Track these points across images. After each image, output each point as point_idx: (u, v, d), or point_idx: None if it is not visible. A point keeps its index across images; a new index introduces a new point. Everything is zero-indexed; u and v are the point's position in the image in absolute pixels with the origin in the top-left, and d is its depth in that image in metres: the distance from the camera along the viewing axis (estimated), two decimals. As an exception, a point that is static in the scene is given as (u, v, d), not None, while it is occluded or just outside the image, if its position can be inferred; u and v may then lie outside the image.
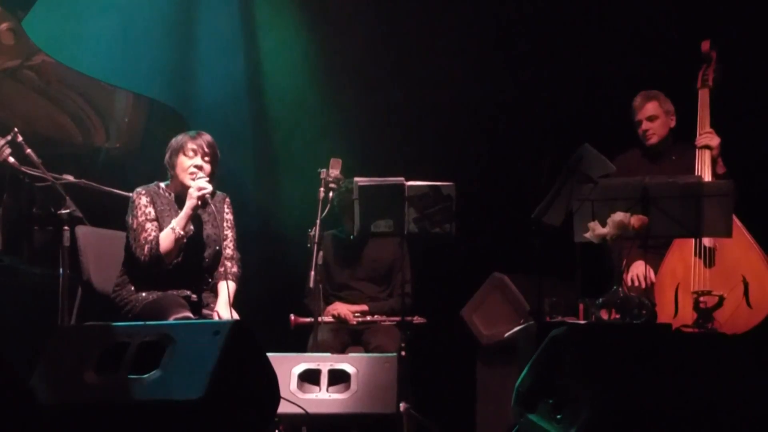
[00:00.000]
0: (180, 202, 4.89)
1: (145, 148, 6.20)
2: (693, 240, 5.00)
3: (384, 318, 5.71)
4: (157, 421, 3.55)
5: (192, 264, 4.91)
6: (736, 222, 4.86)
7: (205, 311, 4.90)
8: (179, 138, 4.93)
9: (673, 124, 5.51)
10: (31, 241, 5.47)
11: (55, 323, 4.94)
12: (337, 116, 6.82)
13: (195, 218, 4.89)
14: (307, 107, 6.86)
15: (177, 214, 4.83)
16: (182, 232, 4.78)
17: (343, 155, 5.44)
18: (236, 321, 3.91)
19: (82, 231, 5.10)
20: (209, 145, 4.91)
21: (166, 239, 4.79)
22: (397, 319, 5.51)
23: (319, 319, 5.40)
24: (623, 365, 3.68)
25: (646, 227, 4.43)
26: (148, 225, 4.82)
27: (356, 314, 5.74)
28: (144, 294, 4.83)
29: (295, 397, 4.63)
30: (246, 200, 5.95)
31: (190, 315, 4.71)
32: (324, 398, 4.68)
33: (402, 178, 5.03)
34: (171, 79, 6.67)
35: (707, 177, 5.14)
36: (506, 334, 4.98)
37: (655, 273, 5.15)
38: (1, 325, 5.25)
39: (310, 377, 4.74)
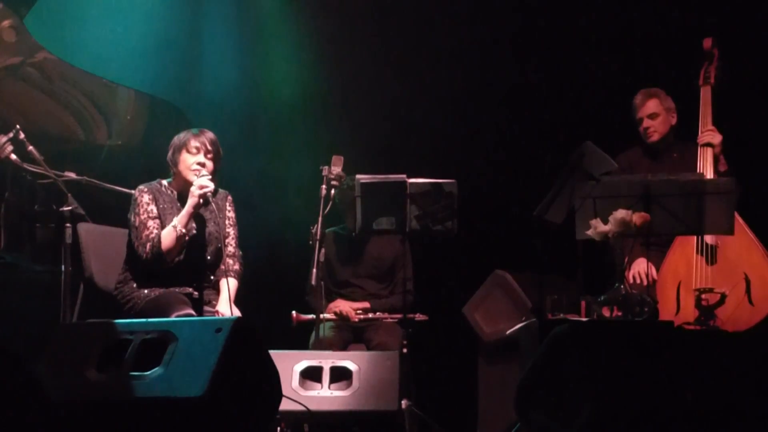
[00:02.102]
0: (182, 199, 4.90)
1: (147, 145, 6.20)
2: (695, 237, 5.01)
3: (386, 315, 5.71)
4: (158, 419, 3.55)
5: (194, 261, 4.91)
6: (738, 219, 4.86)
7: (207, 308, 4.90)
8: (181, 135, 4.93)
9: (674, 121, 5.51)
10: (34, 238, 5.47)
11: (58, 320, 4.95)
12: (339, 113, 6.82)
13: (197, 216, 4.89)
14: (308, 104, 6.86)
15: (179, 212, 4.83)
16: (184, 230, 4.79)
17: (345, 152, 5.43)
18: (238, 318, 3.91)
19: (84, 228, 5.11)
20: (212, 143, 4.91)
21: (168, 237, 4.79)
22: (399, 316, 5.51)
23: (321, 316, 5.40)
24: (625, 363, 3.68)
25: (648, 224, 4.43)
26: (150, 223, 4.83)
27: (358, 311, 5.74)
28: (146, 291, 4.83)
29: (297, 395, 4.63)
30: (248, 198, 5.95)
31: (192, 312, 4.72)
32: (326, 395, 4.68)
33: (404, 176, 5.04)
34: (173, 76, 6.67)
35: (709, 174, 5.14)
36: (508, 332, 4.98)
37: (657, 270, 5.16)
38: (4, 322, 5.26)
39: (311, 374, 4.75)
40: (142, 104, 6.35)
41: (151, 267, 4.81)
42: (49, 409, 3.31)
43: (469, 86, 6.65)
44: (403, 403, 4.77)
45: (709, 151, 5.22)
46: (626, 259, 5.01)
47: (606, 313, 4.37)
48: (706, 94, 5.30)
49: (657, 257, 5.12)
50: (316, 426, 4.72)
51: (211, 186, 4.80)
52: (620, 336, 3.86)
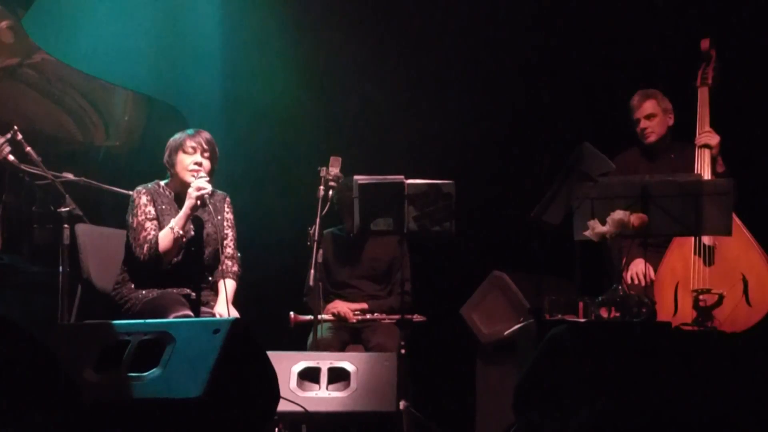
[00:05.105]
0: (180, 200, 4.90)
1: (145, 146, 6.21)
2: (693, 238, 5.00)
3: (384, 316, 5.71)
4: (156, 420, 3.55)
5: (192, 262, 4.91)
6: (736, 220, 4.86)
7: (205, 309, 4.90)
8: (177, 136, 4.94)
9: (671, 122, 5.51)
10: (31, 239, 5.47)
11: (55, 321, 4.95)
12: (337, 114, 6.82)
13: (195, 217, 4.89)
14: (306, 105, 6.86)
15: (177, 213, 4.84)
16: (181, 232, 4.79)
17: (342, 153, 5.44)
18: (236, 319, 3.90)
19: (82, 229, 5.10)
20: (208, 142, 4.92)
21: (165, 239, 4.79)
22: (397, 317, 5.51)
23: (319, 317, 5.40)
24: (623, 363, 3.68)
25: (646, 225, 4.43)
26: (148, 224, 4.83)
27: (356, 312, 5.74)
28: (144, 292, 4.83)
29: (295, 396, 4.63)
30: (246, 199, 5.95)
31: (190, 313, 4.72)
32: (324, 396, 4.68)
33: (402, 177, 5.03)
34: (169, 77, 6.67)
35: (707, 175, 5.14)
36: (506, 333, 4.98)
37: (655, 271, 5.15)
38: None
39: (309, 375, 4.75)
40: (139, 105, 6.37)
41: (148, 268, 4.81)
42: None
43: (467, 87, 6.65)
44: (401, 404, 4.77)
45: (707, 153, 5.22)
46: (624, 260, 5.00)
47: (604, 313, 4.37)
48: (703, 95, 5.30)
49: (655, 258, 5.12)
50: (314, 427, 4.72)
51: (209, 188, 4.81)
52: (618, 337, 3.86)
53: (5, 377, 3.03)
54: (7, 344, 3.08)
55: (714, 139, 5.22)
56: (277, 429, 4.61)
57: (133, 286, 4.87)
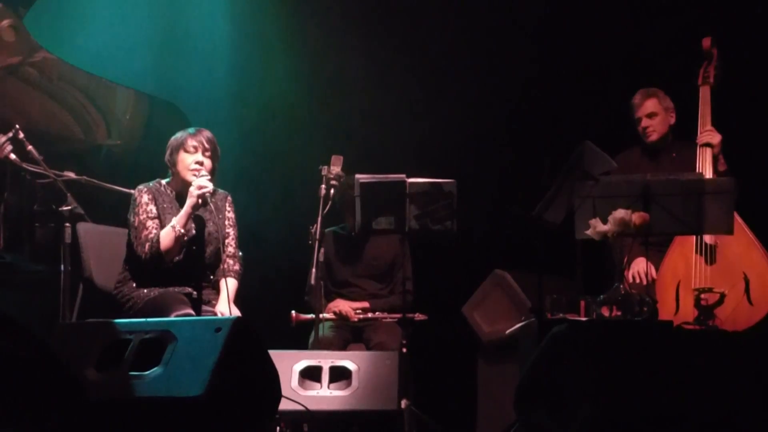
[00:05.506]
0: (181, 199, 4.90)
1: (147, 144, 6.21)
2: (694, 237, 5.01)
3: (385, 315, 5.71)
4: (158, 418, 3.55)
5: (193, 261, 4.91)
6: (738, 219, 4.86)
7: (207, 308, 4.91)
8: (179, 135, 4.94)
9: (672, 121, 5.51)
10: (33, 238, 5.48)
11: (57, 320, 4.95)
12: (339, 113, 6.82)
13: (196, 216, 4.89)
14: (308, 103, 6.86)
15: (178, 212, 4.84)
16: (182, 231, 4.79)
17: (344, 152, 5.44)
18: (237, 318, 3.90)
19: (84, 228, 5.11)
20: (209, 141, 4.91)
21: (167, 237, 4.79)
22: (399, 316, 5.51)
23: (320, 316, 5.40)
24: (624, 362, 3.68)
25: (648, 224, 4.43)
26: (150, 223, 4.83)
27: (357, 311, 5.74)
28: (145, 291, 4.83)
29: (296, 394, 4.63)
30: (247, 197, 5.95)
31: (192, 312, 4.72)
32: (325, 395, 4.68)
33: (403, 175, 5.03)
34: (171, 75, 6.68)
35: (708, 174, 5.14)
36: (507, 331, 4.98)
37: (657, 270, 5.15)
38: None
39: (311, 374, 4.75)
40: (141, 104, 6.37)
41: (150, 267, 4.82)
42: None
43: (468, 86, 6.64)
44: (403, 402, 4.77)
45: (708, 151, 5.22)
46: (625, 259, 5.00)
47: (605, 312, 4.37)
48: (705, 94, 5.29)
49: (656, 257, 5.12)
50: (316, 426, 4.72)
51: (210, 186, 4.81)
52: (619, 336, 3.86)
53: (6, 376, 3.03)
54: (8, 342, 3.08)
55: (715, 138, 5.22)
56: (278, 428, 4.61)
57: (134, 284, 4.87)
